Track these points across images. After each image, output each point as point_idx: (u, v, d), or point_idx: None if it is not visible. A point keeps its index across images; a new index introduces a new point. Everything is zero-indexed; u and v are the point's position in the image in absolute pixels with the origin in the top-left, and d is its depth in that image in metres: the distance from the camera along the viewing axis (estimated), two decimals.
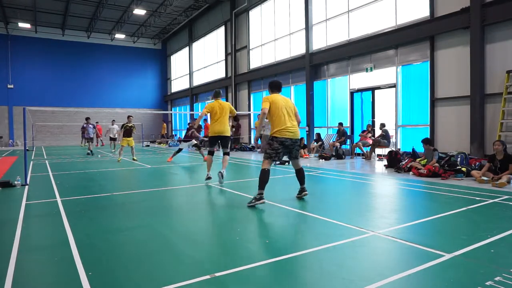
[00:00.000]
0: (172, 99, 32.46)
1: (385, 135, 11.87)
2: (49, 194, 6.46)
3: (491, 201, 5.39)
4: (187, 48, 28.37)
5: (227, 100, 22.57)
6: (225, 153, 7.49)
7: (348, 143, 13.78)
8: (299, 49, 16.34)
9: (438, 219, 4.39)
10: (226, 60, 22.44)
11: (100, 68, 30.30)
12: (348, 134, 13.80)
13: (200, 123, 20.90)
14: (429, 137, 10.47)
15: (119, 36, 29.34)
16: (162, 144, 26.01)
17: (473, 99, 9.53)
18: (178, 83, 31.11)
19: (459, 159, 8.46)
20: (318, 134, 14.45)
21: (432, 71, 10.82)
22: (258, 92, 19.91)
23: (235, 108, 21.39)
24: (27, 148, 10.16)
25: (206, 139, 14.13)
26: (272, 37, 18.38)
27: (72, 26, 27.79)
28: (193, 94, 27.49)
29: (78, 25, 27.76)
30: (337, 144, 12.98)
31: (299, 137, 5.51)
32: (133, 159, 13.16)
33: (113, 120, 18.87)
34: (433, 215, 4.54)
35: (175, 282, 2.65)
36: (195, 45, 27.30)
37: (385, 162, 10.36)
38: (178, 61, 31.05)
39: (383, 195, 6.30)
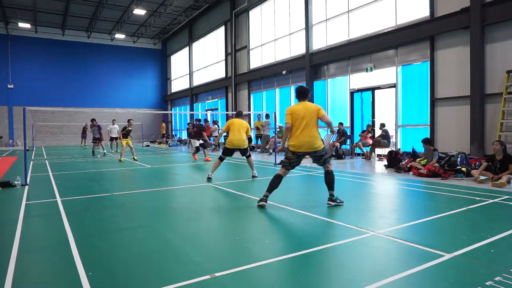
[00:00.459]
0: (172, 99, 32.46)
1: (385, 135, 11.87)
2: (49, 194, 6.46)
3: (491, 201, 5.39)
4: (187, 48, 28.38)
5: (227, 100, 22.59)
6: (248, 156, 8.41)
7: (348, 143, 13.78)
8: (299, 49, 16.34)
9: (438, 219, 4.39)
10: (226, 60, 22.44)
11: (100, 68, 30.30)
12: (348, 134, 13.80)
13: (201, 123, 20.94)
14: (429, 137, 10.46)
15: (119, 36, 29.34)
16: (161, 144, 26.00)
17: (473, 99, 9.53)
18: (178, 83, 31.11)
19: (459, 159, 8.46)
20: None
21: (432, 71, 10.82)
22: (258, 92, 19.91)
23: (235, 107, 21.41)
24: (27, 148, 10.16)
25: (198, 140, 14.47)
26: (272, 37, 18.38)
27: (72, 26, 27.79)
28: (193, 94, 27.49)
29: (78, 25, 27.75)
30: (337, 144, 12.98)
31: (317, 145, 5.37)
32: (134, 159, 13.18)
33: (114, 120, 18.84)
34: (433, 215, 4.54)
35: (175, 282, 2.65)
36: (195, 45, 27.30)
37: (385, 162, 10.36)
38: (178, 61, 31.05)
39: (383, 195, 6.30)
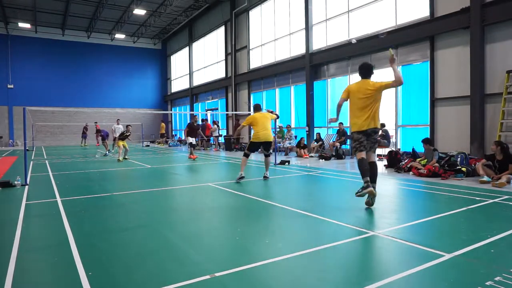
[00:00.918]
0: (172, 99, 32.46)
1: (385, 135, 11.87)
2: (49, 194, 6.46)
3: (491, 201, 5.39)
4: (187, 48, 28.38)
5: (227, 100, 22.57)
6: (267, 155, 8.13)
7: (348, 143, 13.78)
8: (299, 49, 16.34)
9: (438, 219, 4.39)
10: (226, 60, 22.43)
11: (100, 68, 30.30)
12: (348, 134, 13.79)
13: (199, 123, 20.95)
14: (429, 137, 10.46)
15: (119, 36, 29.34)
16: (160, 144, 25.97)
17: (473, 99, 9.53)
18: (178, 83, 31.11)
19: (459, 159, 8.46)
20: (319, 134, 14.45)
21: (432, 71, 10.82)
22: (258, 92, 19.91)
23: (235, 108, 21.40)
24: (27, 148, 10.16)
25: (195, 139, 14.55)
26: (272, 37, 18.38)
27: (72, 26, 27.79)
28: (193, 94, 27.49)
29: (78, 25, 27.76)
30: (337, 144, 12.98)
31: (378, 126, 5.11)
32: (125, 158, 13.60)
33: (118, 120, 18.61)
34: (433, 215, 4.54)
35: (175, 282, 2.65)
36: (195, 45, 27.30)
37: (385, 162, 10.36)
38: (178, 61, 31.06)
39: (383, 195, 6.29)
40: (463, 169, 7.92)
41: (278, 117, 9.24)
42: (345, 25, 14.03)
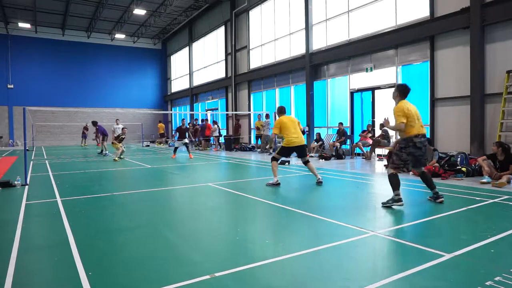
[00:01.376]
0: (172, 99, 32.46)
1: (385, 135, 11.87)
2: (49, 194, 6.46)
3: (491, 201, 5.39)
4: (187, 48, 28.38)
5: (227, 100, 22.58)
6: (307, 162, 7.55)
7: (348, 143, 13.78)
8: (299, 49, 16.34)
9: (438, 219, 4.39)
10: (226, 60, 22.44)
11: (100, 68, 30.30)
12: (348, 134, 13.80)
13: (199, 124, 20.95)
14: (429, 137, 10.46)
15: (119, 36, 29.34)
16: (160, 144, 25.95)
17: (473, 99, 9.53)
18: (178, 83, 31.12)
19: (459, 159, 8.46)
20: (319, 134, 14.45)
21: (432, 71, 10.82)
22: (258, 92, 19.91)
23: (235, 108, 21.40)
24: (27, 148, 10.16)
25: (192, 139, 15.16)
26: (272, 37, 18.38)
27: (72, 26, 27.79)
28: (193, 94, 27.49)
29: (78, 25, 27.75)
30: (337, 144, 12.98)
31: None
32: (120, 157, 13.61)
33: (117, 120, 18.46)
34: (433, 215, 4.54)
35: (175, 282, 2.65)
36: (195, 45, 27.30)
37: (385, 162, 10.36)
38: (178, 61, 31.06)
39: (383, 195, 6.29)
40: (463, 169, 7.92)
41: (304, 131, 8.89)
42: (345, 25, 14.02)
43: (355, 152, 13.41)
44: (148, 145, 25.58)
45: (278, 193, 6.44)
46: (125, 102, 31.00)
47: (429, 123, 11.01)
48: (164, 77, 33.47)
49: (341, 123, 13.60)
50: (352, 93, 14.01)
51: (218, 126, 20.70)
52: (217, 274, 2.79)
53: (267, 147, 16.19)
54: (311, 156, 13.62)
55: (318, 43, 15.32)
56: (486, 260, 3.03)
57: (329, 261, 3.10)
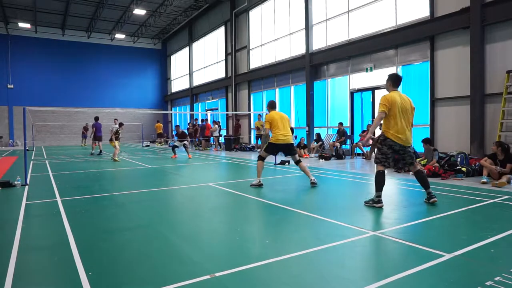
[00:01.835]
0: (172, 99, 32.46)
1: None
2: (49, 194, 6.46)
3: (491, 201, 5.39)
4: (187, 48, 28.38)
5: (227, 100, 22.57)
6: (299, 161, 7.28)
7: (348, 143, 13.78)
8: (299, 49, 16.34)
9: (438, 219, 4.39)
10: (226, 60, 22.44)
11: (100, 68, 30.31)
12: (348, 134, 13.80)
13: (199, 124, 20.95)
14: (429, 137, 10.46)
15: (119, 36, 29.35)
16: (159, 144, 25.93)
17: (473, 99, 9.53)
18: (178, 83, 31.12)
19: (459, 159, 8.46)
20: (318, 134, 14.45)
21: (432, 71, 10.82)
22: (258, 92, 19.91)
23: (235, 108, 21.40)
24: (27, 148, 10.16)
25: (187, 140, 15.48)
26: (272, 37, 18.38)
27: (72, 26, 27.80)
28: (193, 94, 27.50)
29: (78, 25, 27.77)
30: (337, 144, 12.98)
31: (410, 144, 5.20)
32: (114, 159, 13.52)
33: (116, 119, 18.47)
34: (433, 215, 4.54)
35: (175, 282, 2.65)
36: (195, 45, 27.30)
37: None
38: (178, 61, 31.06)
39: (383, 195, 6.29)
40: (463, 169, 7.92)
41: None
42: (345, 25, 14.03)
43: (355, 152, 13.41)
44: (148, 145, 25.58)
45: (278, 193, 6.44)
46: (125, 102, 31.01)
47: (429, 123, 11.01)
48: (164, 77, 33.47)
49: (341, 123, 13.60)
50: (352, 93, 14.01)
51: (219, 126, 20.70)
52: (217, 274, 2.79)
53: None
54: (311, 157, 13.63)
55: (318, 43, 15.32)
56: (486, 260, 3.02)
57: (329, 261, 3.10)
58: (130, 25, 27.73)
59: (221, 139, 20.80)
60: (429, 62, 10.94)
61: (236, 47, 21.32)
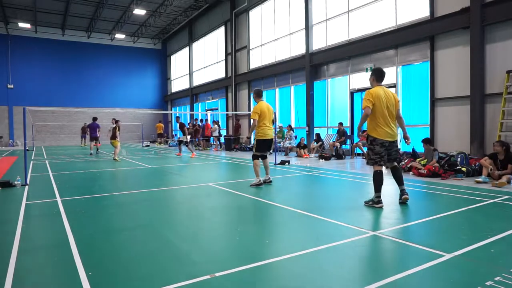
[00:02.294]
0: (172, 99, 32.46)
1: None
2: (49, 194, 6.46)
3: (491, 201, 5.39)
4: (187, 48, 28.38)
5: (227, 100, 22.56)
6: (265, 157, 7.11)
7: (348, 143, 13.78)
8: (299, 49, 16.34)
9: (438, 219, 4.39)
10: (226, 60, 22.44)
11: (100, 68, 30.31)
12: (348, 134, 13.80)
13: (199, 124, 20.94)
14: (429, 137, 10.46)
15: (119, 36, 29.35)
16: (158, 144, 25.91)
17: (473, 99, 9.53)
18: (178, 83, 31.12)
19: (459, 159, 8.46)
20: (318, 135, 14.45)
21: (432, 71, 10.82)
22: None
23: (235, 108, 21.40)
24: (27, 148, 10.16)
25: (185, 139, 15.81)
26: (272, 37, 18.38)
27: (72, 26, 27.80)
28: (193, 94, 27.50)
29: (78, 25, 27.77)
30: (337, 144, 12.98)
31: (396, 139, 5.21)
32: (114, 158, 13.46)
33: (113, 119, 18.46)
34: (433, 215, 4.54)
35: (175, 282, 2.65)
36: (195, 45, 27.30)
37: None
38: (178, 61, 31.06)
39: (383, 195, 6.28)
40: (463, 169, 7.92)
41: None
42: (345, 25, 14.03)
43: (355, 152, 13.41)
44: (148, 145, 25.58)
45: (277, 193, 6.44)
46: (125, 102, 31.01)
47: (429, 123, 11.01)
48: (164, 77, 33.47)
49: (341, 123, 13.60)
50: (352, 93, 14.01)
51: (218, 125, 20.70)
52: (217, 274, 2.79)
53: None
54: (311, 157, 13.63)
55: (318, 43, 15.32)
56: (486, 260, 3.02)
57: (329, 261, 3.10)
58: (130, 25, 27.73)
59: (221, 139, 20.81)
60: (429, 62, 10.94)
61: (236, 47, 21.32)
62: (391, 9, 12.23)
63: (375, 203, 5.05)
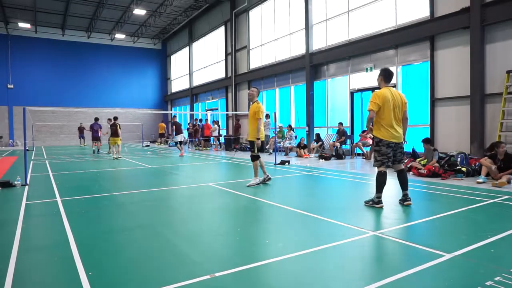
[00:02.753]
0: (172, 99, 32.46)
1: None
2: (49, 194, 6.46)
3: (491, 201, 5.39)
4: (187, 48, 28.38)
5: (227, 100, 22.55)
6: (254, 159, 7.12)
7: (348, 143, 13.78)
8: (299, 49, 16.34)
9: (438, 219, 4.39)
10: (226, 60, 22.44)
11: (100, 68, 30.31)
12: (348, 134, 13.80)
13: (199, 124, 20.95)
14: (429, 137, 10.46)
15: (119, 36, 29.35)
16: (159, 144, 25.91)
17: (473, 99, 9.53)
18: (178, 83, 31.12)
19: (459, 159, 8.46)
20: (318, 135, 14.45)
21: (432, 71, 10.82)
22: None
23: (235, 108, 21.38)
24: (27, 148, 10.16)
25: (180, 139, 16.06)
26: (272, 37, 18.38)
27: (72, 26, 27.80)
28: (193, 94, 27.50)
29: (78, 25, 27.76)
30: (337, 144, 12.98)
31: (402, 140, 5.15)
32: (113, 156, 13.33)
33: (109, 119, 17.96)
34: (433, 215, 4.54)
35: (175, 282, 2.65)
36: (195, 45, 27.30)
37: None
38: (178, 61, 31.06)
39: (383, 195, 6.29)
40: (463, 169, 7.92)
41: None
42: (345, 25, 14.03)
43: (355, 152, 13.41)
44: (148, 145, 25.58)
45: (277, 193, 6.44)
46: (125, 102, 31.01)
47: (429, 123, 11.01)
48: (164, 77, 33.47)
49: (341, 123, 13.60)
50: (352, 93, 14.01)
51: (218, 125, 20.70)
52: (217, 274, 2.79)
53: (267, 147, 16.19)
54: (311, 157, 13.62)
55: (318, 43, 15.32)
56: (486, 260, 3.02)
57: (329, 261, 3.10)
58: (130, 25, 27.73)
59: (221, 139, 20.81)
60: (429, 62, 10.94)
61: (236, 47, 21.32)
62: (391, 9, 12.23)
63: (375, 203, 5.05)
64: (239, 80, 21.03)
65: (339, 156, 12.67)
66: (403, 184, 5.15)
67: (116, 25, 27.74)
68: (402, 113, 5.15)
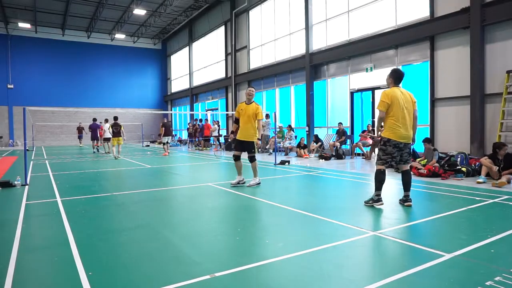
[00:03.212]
0: (172, 99, 32.46)
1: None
2: (49, 194, 6.45)
3: (491, 201, 5.39)
4: (187, 48, 28.38)
5: (227, 100, 22.54)
6: (252, 160, 7.23)
7: (348, 143, 13.78)
8: (299, 49, 16.34)
9: (438, 219, 4.39)
10: (226, 60, 22.44)
11: (100, 68, 30.32)
12: (348, 134, 13.80)
13: (198, 124, 20.95)
14: (429, 137, 10.46)
15: (119, 36, 29.35)
16: (159, 144, 25.91)
17: (473, 99, 9.53)
18: (178, 83, 31.12)
19: (459, 159, 8.46)
20: (316, 136, 14.41)
21: (432, 71, 10.82)
22: (258, 92, 19.89)
23: (235, 108, 21.34)
24: (27, 148, 10.16)
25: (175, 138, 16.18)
26: (272, 37, 18.38)
27: (72, 26, 27.80)
28: (193, 94, 27.50)
29: (78, 25, 27.77)
30: (337, 144, 12.98)
31: (410, 141, 5.09)
32: (109, 154, 13.33)
33: (107, 119, 17.28)
34: (433, 215, 4.54)
35: (175, 282, 2.65)
36: (195, 45, 27.31)
37: None
38: (178, 61, 31.06)
39: (383, 195, 6.28)
40: (463, 169, 7.92)
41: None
42: (345, 25, 14.03)
43: (355, 152, 13.41)
44: (148, 145, 25.58)
45: (277, 193, 6.44)
46: (125, 102, 31.01)
47: (429, 123, 11.02)
48: (164, 77, 33.47)
49: (341, 123, 13.61)
50: (352, 93, 14.02)
51: (218, 125, 20.70)
52: (217, 274, 2.79)
53: (267, 146, 16.19)
54: (311, 157, 13.62)
55: (318, 43, 15.32)
56: (486, 260, 3.02)
57: (329, 261, 3.10)
58: (130, 25, 27.73)
59: (221, 139, 20.81)
60: (429, 62, 10.95)
61: (236, 47, 21.32)
62: (391, 9, 12.23)
63: (375, 202, 5.03)
64: (239, 80, 21.03)
65: (339, 156, 12.67)
66: (407, 185, 5.11)
67: (116, 25, 27.75)
68: (411, 112, 5.10)
